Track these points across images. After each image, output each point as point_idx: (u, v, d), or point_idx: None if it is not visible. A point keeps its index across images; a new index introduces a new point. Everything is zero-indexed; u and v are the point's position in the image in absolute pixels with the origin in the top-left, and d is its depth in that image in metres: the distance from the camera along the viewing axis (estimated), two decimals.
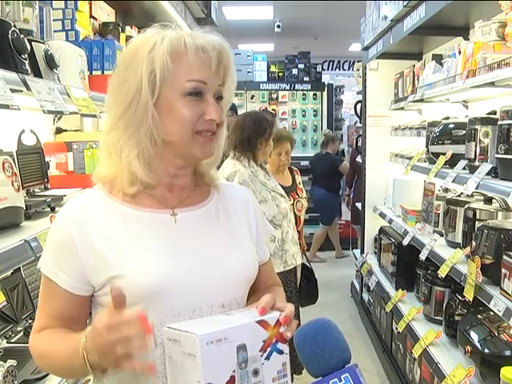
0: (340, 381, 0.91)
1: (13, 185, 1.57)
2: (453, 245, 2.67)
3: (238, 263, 1.15)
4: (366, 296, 4.75)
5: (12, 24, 1.56)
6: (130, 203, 1.11)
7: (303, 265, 3.38)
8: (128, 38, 2.86)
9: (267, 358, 0.96)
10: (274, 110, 7.87)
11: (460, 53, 2.62)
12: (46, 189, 2.13)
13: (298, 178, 3.60)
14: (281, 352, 0.98)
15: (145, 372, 0.89)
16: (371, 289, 4.30)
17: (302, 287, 3.35)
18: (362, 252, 4.88)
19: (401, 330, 3.12)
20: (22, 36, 1.58)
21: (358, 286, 5.14)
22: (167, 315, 1.05)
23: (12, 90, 1.42)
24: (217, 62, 1.07)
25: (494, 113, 2.39)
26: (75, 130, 2.72)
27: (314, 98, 7.94)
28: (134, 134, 1.06)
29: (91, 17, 2.65)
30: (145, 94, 1.04)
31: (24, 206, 1.65)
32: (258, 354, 0.95)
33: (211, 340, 0.89)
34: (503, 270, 1.94)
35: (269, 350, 0.96)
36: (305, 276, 3.40)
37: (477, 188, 2.19)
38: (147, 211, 1.11)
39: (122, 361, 0.89)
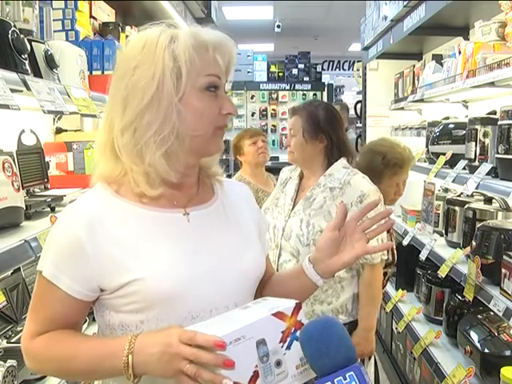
0: (345, 379, 0.90)
1: (13, 185, 1.57)
2: (453, 245, 2.67)
3: (250, 261, 1.14)
4: None
5: (12, 24, 1.56)
6: (141, 203, 1.06)
7: None
8: (128, 38, 2.86)
9: (288, 348, 0.95)
10: (273, 109, 7.87)
11: (460, 53, 2.62)
12: (46, 189, 2.12)
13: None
14: None
15: None
16: None
17: None
18: None
19: (401, 330, 3.11)
20: (22, 36, 1.58)
21: None
22: (186, 318, 1.02)
23: (12, 90, 1.42)
24: (228, 59, 1.08)
25: (494, 113, 2.39)
26: (75, 130, 2.72)
27: (314, 98, 7.93)
28: (157, 133, 1.01)
29: (91, 17, 2.65)
30: (167, 90, 1.00)
31: (24, 206, 1.65)
32: (278, 345, 0.94)
33: (229, 341, 0.88)
34: (503, 270, 1.94)
35: (289, 339, 0.95)
36: None
37: (477, 188, 2.19)
38: (160, 211, 1.07)
39: (183, 377, 0.89)
